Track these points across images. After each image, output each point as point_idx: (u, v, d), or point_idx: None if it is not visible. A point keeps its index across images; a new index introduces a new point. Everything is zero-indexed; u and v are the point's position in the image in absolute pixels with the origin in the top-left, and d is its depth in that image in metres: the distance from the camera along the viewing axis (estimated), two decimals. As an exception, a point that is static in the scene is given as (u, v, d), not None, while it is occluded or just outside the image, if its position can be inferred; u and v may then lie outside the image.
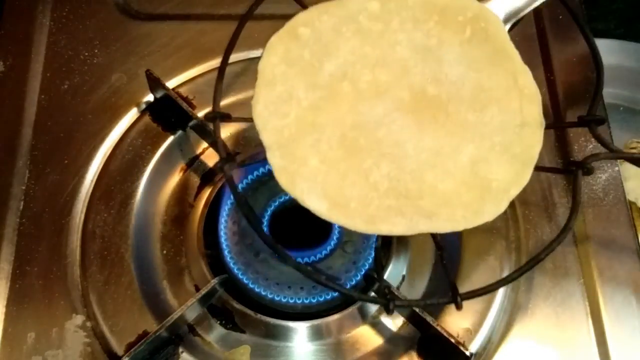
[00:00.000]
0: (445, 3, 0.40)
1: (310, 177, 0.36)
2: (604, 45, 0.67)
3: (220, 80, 0.42)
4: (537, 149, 0.38)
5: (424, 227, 0.36)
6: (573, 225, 0.38)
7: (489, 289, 0.37)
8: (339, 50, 0.39)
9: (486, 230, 0.49)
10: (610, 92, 0.65)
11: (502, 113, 0.39)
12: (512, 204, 0.50)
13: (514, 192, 0.37)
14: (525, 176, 0.38)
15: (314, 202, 0.36)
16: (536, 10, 0.60)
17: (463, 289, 0.46)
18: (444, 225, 0.36)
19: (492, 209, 0.37)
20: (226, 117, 0.41)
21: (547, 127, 0.43)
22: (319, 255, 0.49)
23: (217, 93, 0.41)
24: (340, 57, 0.39)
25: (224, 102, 0.52)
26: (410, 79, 0.38)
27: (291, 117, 0.37)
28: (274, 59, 0.39)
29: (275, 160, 0.37)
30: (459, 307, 0.36)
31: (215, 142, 0.41)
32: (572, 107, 0.55)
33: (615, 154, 0.42)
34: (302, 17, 0.40)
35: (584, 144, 0.53)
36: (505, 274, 0.47)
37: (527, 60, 0.58)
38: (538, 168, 0.41)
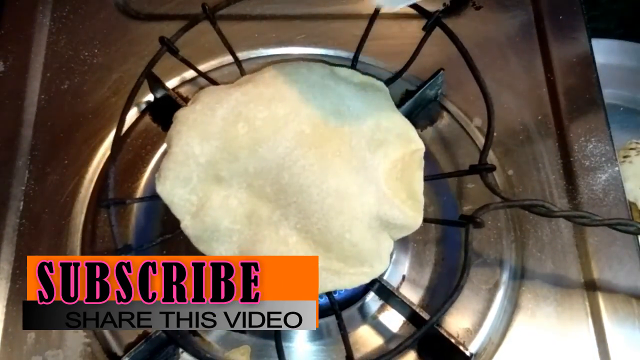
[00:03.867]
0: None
1: (226, 239, 0.37)
2: (604, 45, 0.67)
3: (113, 163, 0.41)
4: (419, 189, 0.38)
5: (331, 286, 0.36)
6: (464, 283, 0.38)
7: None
8: (231, 95, 0.38)
9: (486, 230, 0.49)
10: (610, 92, 0.65)
11: (387, 158, 0.39)
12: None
13: (405, 233, 0.38)
14: (418, 220, 0.38)
15: None
16: (536, 11, 0.60)
17: (463, 289, 0.46)
18: (351, 281, 0.36)
19: (387, 255, 0.38)
20: (120, 204, 0.41)
21: (437, 178, 0.44)
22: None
23: (111, 178, 0.40)
24: (232, 100, 0.37)
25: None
26: (310, 111, 0.36)
27: (194, 180, 0.37)
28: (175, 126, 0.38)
29: (190, 232, 0.37)
30: None
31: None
32: (572, 107, 0.55)
33: (505, 203, 0.42)
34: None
35: (584, 144, 0.53)
36: (505, 274, 0.47)
37: (527, 60, 0.58)
38: (431, 220, 0.44)
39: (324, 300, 0.47)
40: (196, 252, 0.49)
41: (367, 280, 0.37)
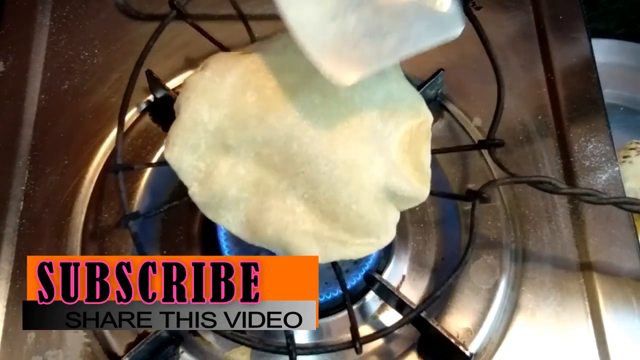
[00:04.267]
0: None
1: (233, 207, 0.36)
2: (604, 45, 0.67)
3: (121, 130, 0.41)
4: (427, 162, 0.38)
5: (337, 256, 0.36)
6: (470, 258, 0.38)
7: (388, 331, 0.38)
8: (240, 62, 0.37)
9: (486, 230, 0.49)
10: (610, 92, 0.65)
11: (399, 128, 0.38)
12: (512, 205, 0.50)
13: (411, 205, 0.38)
14: (425, 192, 0.38)
15: (239, 230, 0.37)
16: (536, 11, 0.60)
17: (463, 288, 0.47)
18: (357, 251, 0.36)
19: (393, 226, 0.38)
20: (129, 169, 0.41)
21: (445, 151, 0.43)
22: None
23: (119, 143, 0.40)
24: (241, 67, 0.37)
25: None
26: (320, 81, 0.35)
27: (202, 148, 0.37)
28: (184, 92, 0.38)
29: (197, 199, 0.37)
30: (358, 352, 0.37)
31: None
32: (572, 107, 0.55)
33: (513, 179, 0.41)
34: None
35: (584, 144, 0.53)
36: (505, 274, 0.47)
37: (527, 60, 0.58)
38: (437, 194, 0.41)
39: (324, 299, 0.47)
40: (196, 252, 0.49)
41: (372, 250, 0.37)
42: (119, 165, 0.39)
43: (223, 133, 0.36)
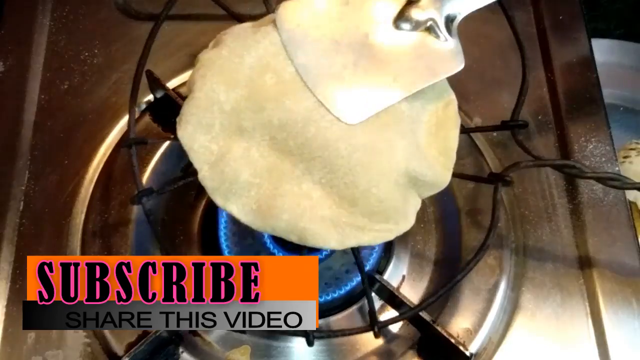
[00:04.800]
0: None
1: (244, 193, 0.35)
2: (604, 45, 0.67)
3: (134, 104, 0.39)
4: (454, 146, 0.38)
5: (354, 241, 0.35)
6: (492, 242, 0.38)
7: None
8: (259, 43, 0.36)
9: (486, 229, 0.49)
10: (610, 92, 0.65)
11: (425, 110, 0.37)
12: (512, 205, 0.50)
13: (432, 192, 0.37)
14: (447, 177, 0.37)
15: (250, 218, 0.35)
16: (536, 11, 0.60)
17: (463, 288, 0.47)
18: (375, 237, 0.35)
19: (413, 213, 0.37)
20: (142, 143, 0.39)
21: (468, 131, 0.41)
22: (319, 256, 0.49)
23: (132, 117, 0.39)
24: (261, 49, 0.36)
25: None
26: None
27: (216, 128, 0.35)
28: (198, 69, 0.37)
29: (207, 183, 0.35)
30: (376, 335, 0.37)
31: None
32: (572, 107, 0.55)
33: (537, 162, 0.41)
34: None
35: (584, 144, 0.53)
36: (504, 274, 0.47)
37: (527, 60, 0.58)
38: (460, 175, 0.41)
39: (324, 299, 0.47)
40: (196, 252, 0.49)
41: (391, 237, 0.36)
42: (132, 139, 0.38)
43: (239, 114, 0.35)
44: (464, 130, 0.43)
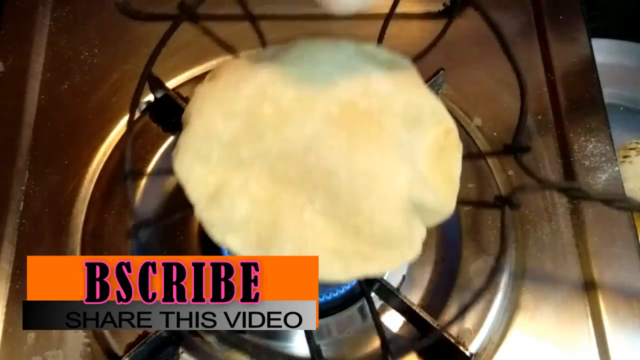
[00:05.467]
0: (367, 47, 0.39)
1: (242, 227, 0.34)
2: (604, 45, 0.67)
3: (130, 134, 0.39)
4: (457, 173, 0.37)
5: (359, 272, 0.34)
6: (503, 264, 0.37)
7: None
8: (257, 73, 0.36)
9: (486, 230, 0.49)
10: (610, 92, 0.65)
11: (425, 136, 0.37)
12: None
13: (437, 220, 0.37)
14: (451, 205, 0.36)
15: (250, 251, 0.34)
16: (536, 11, 0.60)
17: (463, 288, 0.47)
18: (380, 266, 0.35)
19: (419, 241, 0.36)
20: (138, 174, 0.39)
21: (471, 157, 0.41)
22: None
23: (127, 149, 0.37)
24: (258, 79, 0.36)
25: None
26: (338, 93, 0.35)
27: (214, 160, 0.35)
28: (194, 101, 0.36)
29: (204, 216, 0.34)
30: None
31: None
32: (572, 107, 0.55)
33: (542, 185, 0.40)
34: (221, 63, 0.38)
35: (584, 144, 0.53)
36: (504, 274, 0.47)
37: (527, 60, 0.58)
38: (463, 202, 0.41)
39: (324, 299, 0.47)
40: (196, 252, 0.49)
41: (396, 265, 0.35)
42: (127, 172, 0.37)
43: (237, 145, 0.35)
44: (467, 156, 0.43)
